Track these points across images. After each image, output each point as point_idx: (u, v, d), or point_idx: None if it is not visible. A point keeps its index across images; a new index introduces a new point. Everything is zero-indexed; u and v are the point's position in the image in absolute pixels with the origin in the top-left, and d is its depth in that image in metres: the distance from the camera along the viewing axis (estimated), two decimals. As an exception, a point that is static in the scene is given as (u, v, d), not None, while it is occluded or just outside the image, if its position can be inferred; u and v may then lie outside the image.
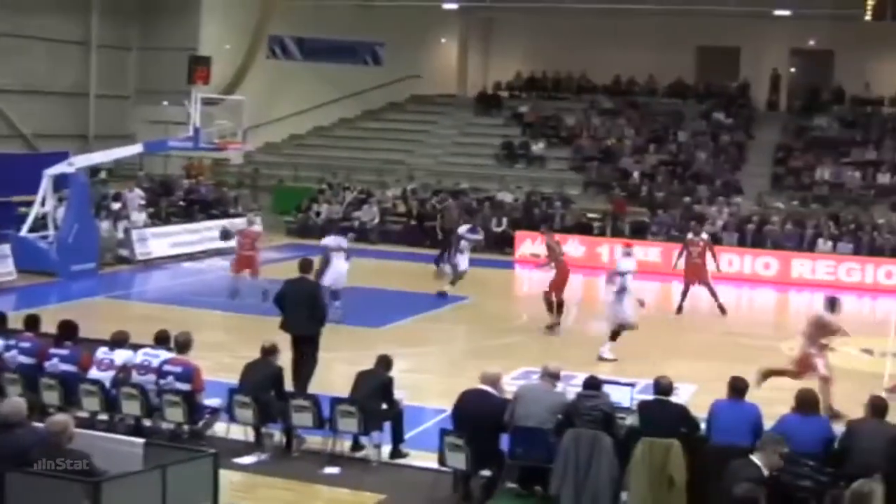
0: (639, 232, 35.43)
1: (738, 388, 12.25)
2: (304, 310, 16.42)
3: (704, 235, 27.36)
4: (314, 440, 14.38)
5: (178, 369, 14.19)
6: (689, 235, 27.03)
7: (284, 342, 15.73)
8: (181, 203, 36.13)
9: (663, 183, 38.95)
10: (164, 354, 14.50)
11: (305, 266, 17.24)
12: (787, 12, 41.36)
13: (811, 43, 45.88)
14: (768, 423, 11.92)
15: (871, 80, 43.21)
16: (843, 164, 39.37)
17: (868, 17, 37.67)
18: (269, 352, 14.56)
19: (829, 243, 34.02)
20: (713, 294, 26.10)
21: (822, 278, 32.33)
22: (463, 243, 27.24)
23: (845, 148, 40.31)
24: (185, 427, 14.18)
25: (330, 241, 23.52)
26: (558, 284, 23.29)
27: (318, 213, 38.07)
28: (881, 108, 42.82)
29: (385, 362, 14.37)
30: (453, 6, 45.18)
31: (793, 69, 46.84)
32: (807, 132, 41.76)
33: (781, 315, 29.50)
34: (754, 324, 26.88)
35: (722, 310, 25.97)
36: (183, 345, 14.50)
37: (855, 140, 40.82)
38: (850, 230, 34.65)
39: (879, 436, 11.47)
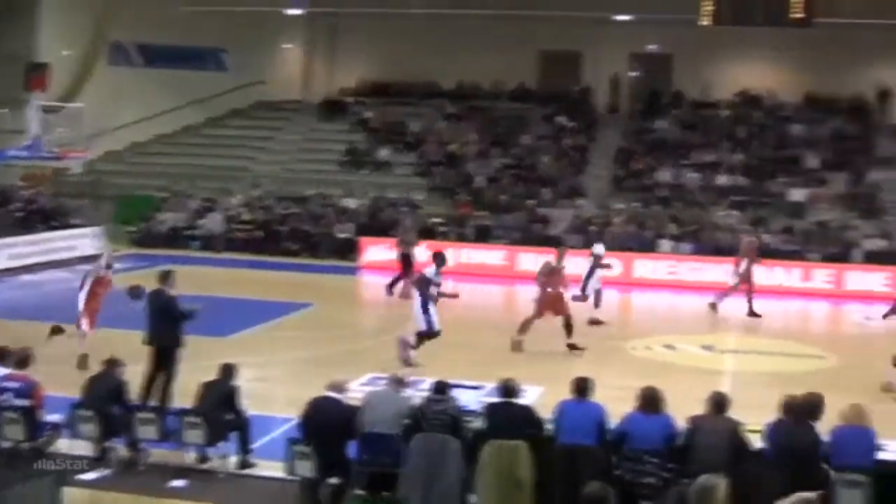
0: (483, 235, 35.72)
1: (581, 387, 12.39)
2: (160, 321, 16.20)
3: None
4: (160, 453, 14.14)
5: (17, 385, 13.79)
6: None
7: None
8: (19, 214, 35.27)
9: (507, 186, 39.29)
10: (2, 370, 14.11)
11: (162, 277, 16.87)
12: (627, 17, 42.11)
13: (651, 47, 46.70)
14: (613, 423, 12.10)
15: (710, 84, 44.15)
16: (683, 165, 40.19)
17: (705, 22, 38.39)
18: (113, 364, 14.29)
19: (670, 243, 34.76)
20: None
21: (663, 278, 33.03)
22: (433, 289, 20.78)
23: (685, 150, 41.17)
24: (25, 445, 13.80)
25: None
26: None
27: (162, 222, 37.57)
28: (719, 111, 43.73)
29: (229, 371, 14.21)
30: (297, 11, 44.97)
31: (633, 73, 47.59)
32: (647, 135, 42.53)
33: (625, 315, 29.96)
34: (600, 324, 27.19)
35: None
36: (22, 360, 14.13)
37: (694, 142, 41.72)
38: (690, 231, 35.45)
39: (721, 431, 11.72)
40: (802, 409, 11.92)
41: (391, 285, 28.78)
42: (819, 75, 43.05)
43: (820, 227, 35.81)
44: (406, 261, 28.96)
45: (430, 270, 20.97)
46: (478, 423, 12.58)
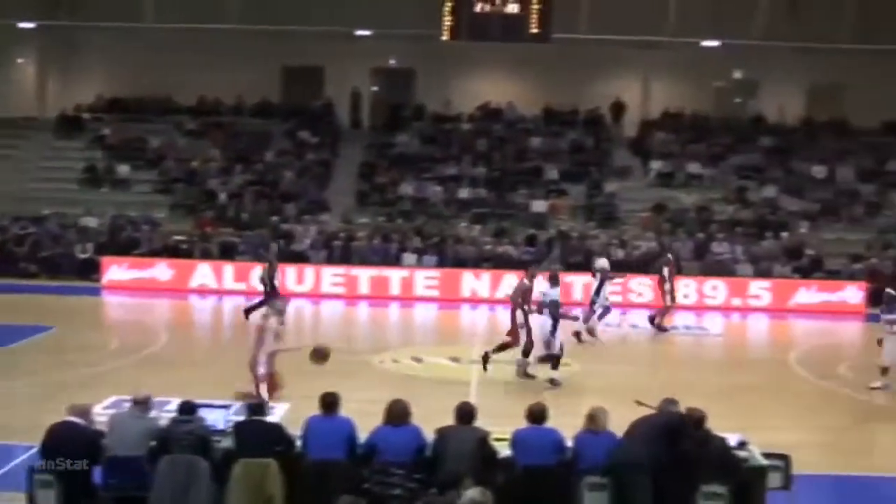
0: (228, 252, 35.37)
1: (328, 403, 12.25)
2: None
3: None
4: None
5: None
6: None
7: None
8: None
9: (250, 203, 38.94)
10: None
11: None
12: (368, 32, 42.32)
13: (392, 62, 47.10)
14: (363, 436, 12.10)
15: (451, 98, 44.74)
16: (426, 179, 40.63)
17: (446, 38, 38.99)
18: None
19: (414, 256, 35.11)
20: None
21: (409, 291, 33.38)
22: (563, 310, 21.77)
23: (427, 164, 41.64)
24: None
25: None
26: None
27: None
28: (460, 125, 44.37)
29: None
30: (30, 25, 43.58)
31: (375, 87, 47.90)
32: (390, 149, 42.81)
33: (372, 328, 30.09)
34: (349, 339, 27.23)
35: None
36: None
37: (436, 156, 42.23)
38: (434, 243, 35.89)
39: (469, 440, 11.86)
40: (542, 416, 12.18)
41: (249, 311, 27.29)
42: (557, 89, 44.28)
43: (561, 237, 36.73)
44: (271, 286, 27.71)
45: (554, 292, 21.25)
46: (226, 443, 12.40)
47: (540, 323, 21.31)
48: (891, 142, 44.33)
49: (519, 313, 21.39)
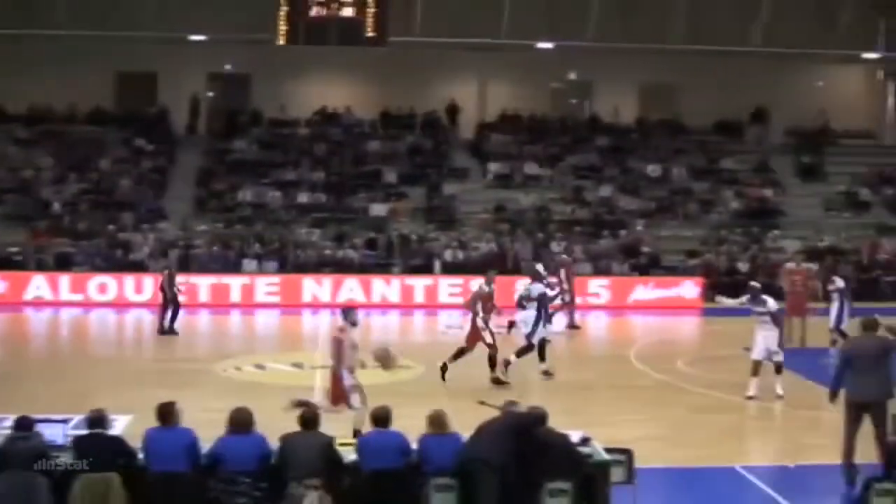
0: (64, 263, 34.64)
1: (165, 413, 12.04)
2: None
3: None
4: None
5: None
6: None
7: None
8: None
9: (86, 212, 38.16)
10: None
11: None
12: (202, 37, 41.82)
13: (228, 67, 46.65)
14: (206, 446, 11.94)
15: (288, 103, 44.54)
16: (264, 184, 40.36)
17: (281, 42, 38.76)
18: None
19: (255, 262, 34.88)
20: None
21: (251, 298, 33.16)
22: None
23: (265, 169, 41.37)
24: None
25: None
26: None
27: None
28: (298, 130, 44.22)
29: None
30: None
31: (211, 93, 47.40)
32: (227, 155, 42.41)
33: (215, 337, 29.74)
34: (190, 347, 26.91)
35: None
36: None
37: (274, 161, 41.98)
38: (274, 249, 35.70)
39: (313, 446, 11.79)
40: (386, 419, 12.18)
41: (171, 322, 27.72)
42: (394, 92, 44.46)
43: (402, 240, 36.84)
44: (171, 294, 27.90)
45: (537, 287, 22.11)
46: (66, 458, 12.12)
47: (521, 318, 21.92)
48: (722, 140, 45.53)
49: (479, 320, 21.45)
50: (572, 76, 48.71)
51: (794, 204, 42.69)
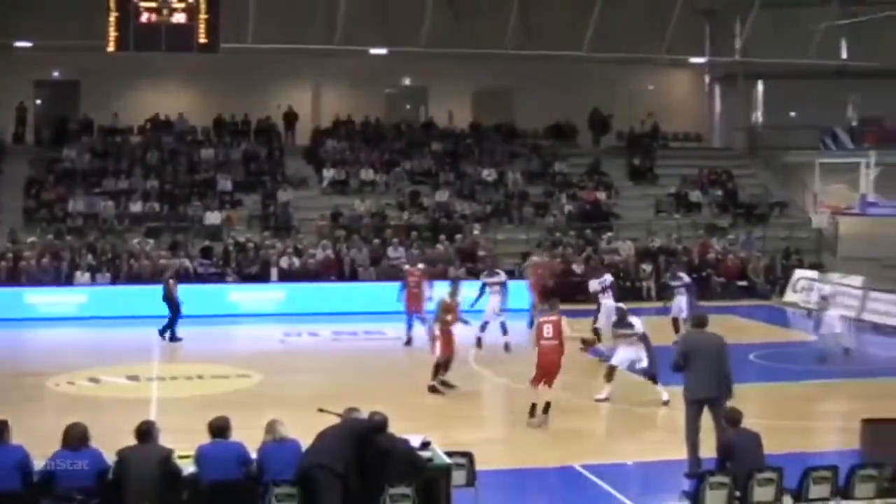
0: None
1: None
2: None
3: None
4: None
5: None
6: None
7: None
8: None
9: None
10: None
11: None
12: (27, 44, 40.89)
13: (56, 74, 45.66)
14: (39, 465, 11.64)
15: (119, 110, 43.81)
16: (96, 194, 39.59)
17: (111, 49, 38.01)
18: None
19: (88, 274, 34.18)
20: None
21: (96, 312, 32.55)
22: None
23: (97, 178, 40.59)
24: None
25: None
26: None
27: None
28: (130, 138, 43.48)
29: None
30: None
31: (38, 101, 46.29)
32: (57, 164, 41.44)
33: (47, 351, 28.97)
34: (21, 363, 26.20)
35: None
36: None
37: (107, 170, 41.21)
38: (107, 259, 35.03)
39: (151, 459, 11.57)
40: (224, 429, 12.05)
41: (172, 330, 28.56)
42: (228, 99, 44.12)
43: (238, 248, 36.47)
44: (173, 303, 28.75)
45: None
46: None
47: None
48: (555, 144, 46.14)
49: (436, 326, 21.65)
50: (407, 82, 48.93)
51: (627, 206, 43.54)
